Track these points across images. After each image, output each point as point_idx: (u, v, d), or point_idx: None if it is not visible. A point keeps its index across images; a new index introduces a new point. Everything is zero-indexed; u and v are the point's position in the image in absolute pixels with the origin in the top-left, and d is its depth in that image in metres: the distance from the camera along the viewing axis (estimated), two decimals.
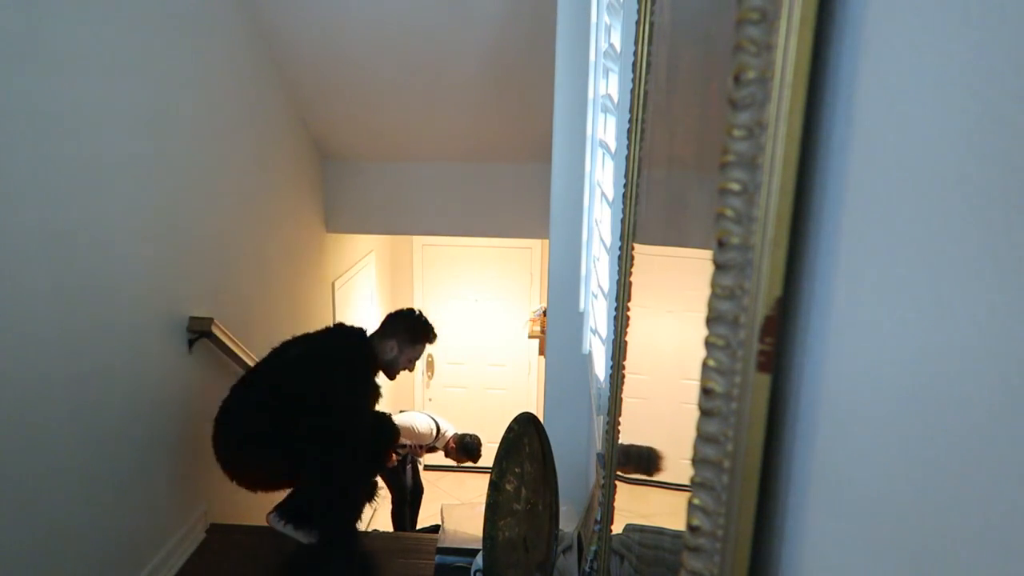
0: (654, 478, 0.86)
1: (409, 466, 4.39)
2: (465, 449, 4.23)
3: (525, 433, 1.52)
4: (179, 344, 2.47)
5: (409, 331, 2.50)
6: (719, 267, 0.46)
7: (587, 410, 2.41)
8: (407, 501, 4.37)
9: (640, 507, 0.93)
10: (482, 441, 4.28)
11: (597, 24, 2.03)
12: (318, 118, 3.81)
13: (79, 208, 1.89)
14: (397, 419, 4.28)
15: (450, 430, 4.29)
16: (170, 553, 2.39)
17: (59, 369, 1.82)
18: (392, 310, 2.63)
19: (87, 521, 1.95)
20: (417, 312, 2.58)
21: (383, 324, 2.54)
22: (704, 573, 0.48)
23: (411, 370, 2.56)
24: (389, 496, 4.49)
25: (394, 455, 4.26)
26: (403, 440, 4.25)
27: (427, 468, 4.77)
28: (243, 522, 2.79)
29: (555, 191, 2.56)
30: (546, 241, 3.31)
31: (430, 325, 2.56)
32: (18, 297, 1.67)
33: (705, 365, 0.47)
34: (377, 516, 5.22)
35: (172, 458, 2.42)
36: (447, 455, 4.31)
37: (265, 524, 2.47)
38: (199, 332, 2.53)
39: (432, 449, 4.35)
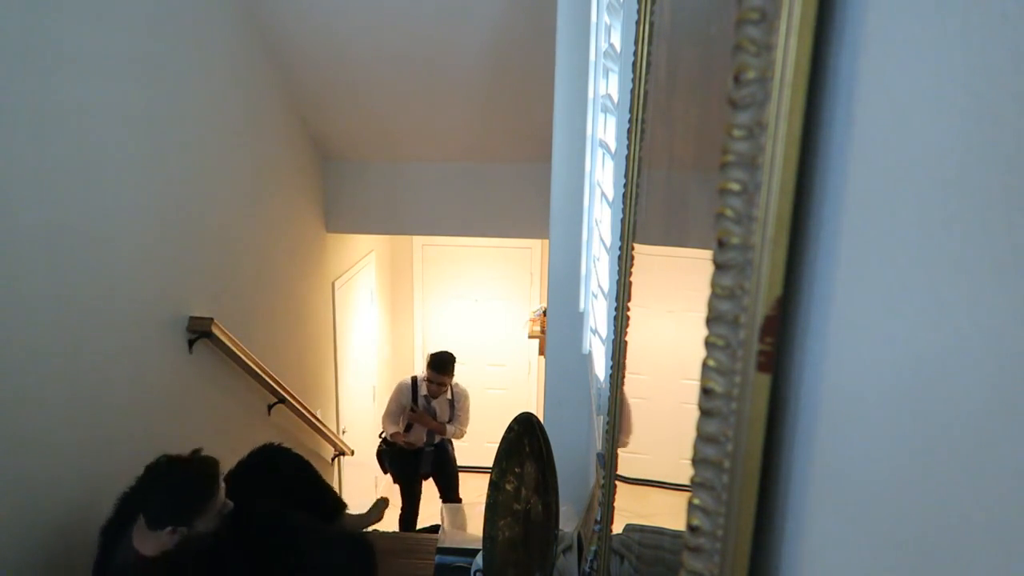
0: (654, 479, 0.86)
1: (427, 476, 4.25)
2: (434, 365, 3.89)
3: (525, 433, 1.52)
4: (179, 344, 2.47)
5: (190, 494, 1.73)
6: (719, 267, 0.46)
7: (587, 410, 2.41)
8: (416, 513, 4.28)
9: (640, 507, 0.93)
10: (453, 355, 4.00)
11: (597, 24, 2.03)
12: (318, 118, 3.81)
13: (79, 208, 1.89)
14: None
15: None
16: None
17: (59, 369, 1.82)
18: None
19: (88, 522, 1.95)
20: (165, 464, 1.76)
21: (145, 508, 1.72)
22: (704, 573, 0.48)
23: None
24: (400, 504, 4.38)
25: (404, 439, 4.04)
26: (404, 412, 4.00)
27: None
28: None
29: (555, 191, 2.56)
30: (546, 241, 3.31)
31: (201, 477, 1.76)
32: (18, 297, 1.67)
33: (705, 365, 0.47)
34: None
35: None
36: (434, 397, 3.99)
37: None
38: (199, 332, 2.53)
39: (432, 414, 4.02)
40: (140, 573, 1.69)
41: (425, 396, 4.02)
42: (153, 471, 1.74)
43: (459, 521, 2.34)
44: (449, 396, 4.09)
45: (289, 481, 2.28)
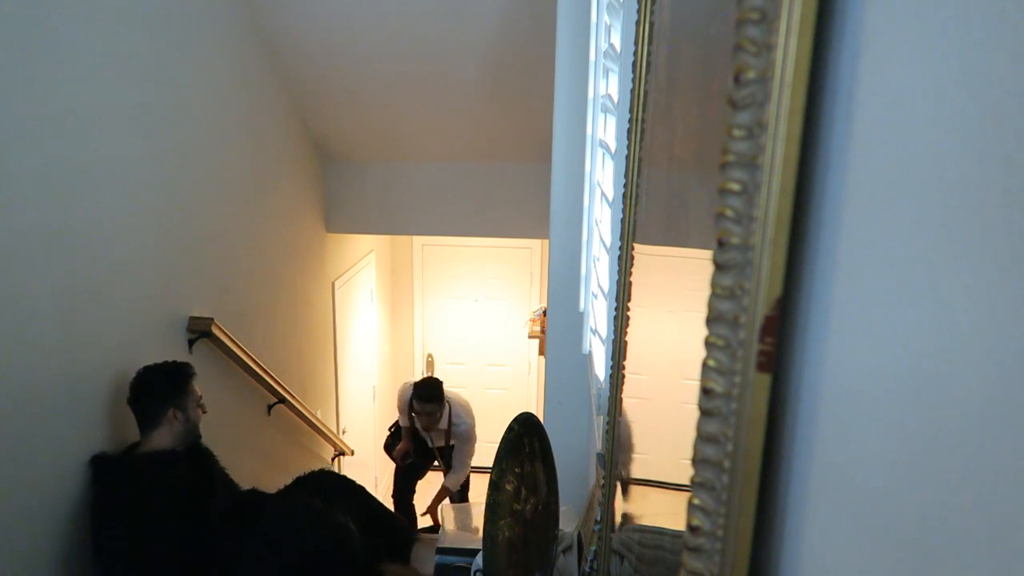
0: (655, 480, 0.86)
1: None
2: (417, 393, 3.62)
3: (525, 433, 1.52)
4: (179, 344, 2.47)
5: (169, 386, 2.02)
6: (719, 267, 0.46)
7: (587, 410, 2.41)
8: (406, 508, 4.19)
9: (640, 507, 0.93)
10: (437, 383, 3.65)
11: (597, 24, 2.03)
12: (318, 119, 3.81)
13: (79, 208, 1.89)
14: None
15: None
16: None
17: (59, 369, 1.82)
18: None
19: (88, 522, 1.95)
20: (155, 367, 2.05)
21: (144, 408, 2.01)
22: (704, 573, 0.48)
23: (203, 412, 2.11)
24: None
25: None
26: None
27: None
28: None
29: (555, 191, 2.56)
30: (546, 241, 3.31)
31: (178, 364, 2.08)
32: (18, 297, 1.67)
33: (705, 365, 0.47)
34: None
35: None
36: (427, 430, 3.77)
37: None
38: (199, 332, 2.53)
39: (424, 443, 3.95)
40: (164, 464, 1.94)
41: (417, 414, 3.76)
42: (138, 378, 2.01)
43: (459, 521, 2.34)
44: (446, 439, 3.80)
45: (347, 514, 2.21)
